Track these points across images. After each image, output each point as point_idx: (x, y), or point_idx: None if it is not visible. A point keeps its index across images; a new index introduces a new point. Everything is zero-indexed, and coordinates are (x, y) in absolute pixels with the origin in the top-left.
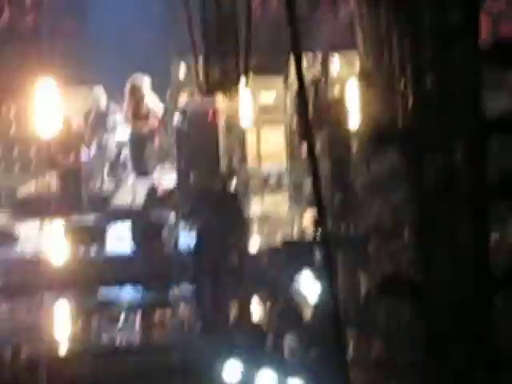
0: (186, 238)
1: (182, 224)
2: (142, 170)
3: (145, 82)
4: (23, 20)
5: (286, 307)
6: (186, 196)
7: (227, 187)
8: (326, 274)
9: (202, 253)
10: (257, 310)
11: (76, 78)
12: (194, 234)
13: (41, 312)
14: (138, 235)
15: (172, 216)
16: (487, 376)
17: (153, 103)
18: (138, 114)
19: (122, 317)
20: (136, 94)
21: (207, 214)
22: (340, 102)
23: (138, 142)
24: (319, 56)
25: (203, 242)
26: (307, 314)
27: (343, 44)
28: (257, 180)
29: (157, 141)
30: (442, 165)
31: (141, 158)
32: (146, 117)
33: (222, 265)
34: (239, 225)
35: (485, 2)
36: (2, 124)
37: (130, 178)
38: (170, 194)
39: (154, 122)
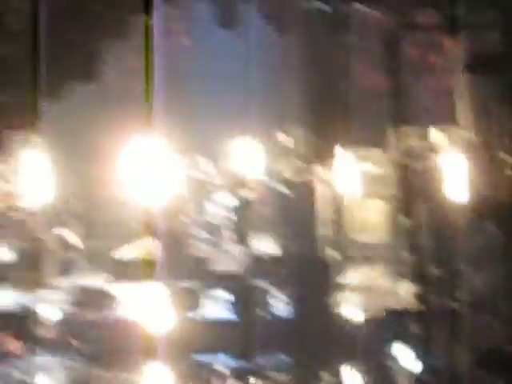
0: (282, 307)
1: (278, 292)
2: (244, 237)
3: (247, 148)
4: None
5: (382, 377)
6: (285, 264)
7: (322, 256)
8: (424, 346)
9: (295, 322)
10: (354, 379)
11: (177, 144)
12: (289, 302)
13: (138, 377)
14: (238, 302)
15: (270, 284)
16: None
17: (255, 170)
18: (239, 180)
19: (218, 383)
20: (238, 159)
21: (301, 282)
22: (440, 174)
23: (240, 208)
24: (420, 129)
25: (295, 310)
26: None
27: (443, 116)
28: (356, 250)
29: (259, 208)
30: None
31: (243, 225)
32: (248, 183)
33: (317, 334)
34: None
35: None
36: (103, 188)
37: (232, 244)
38: (271, 261)
39: (256, 189)
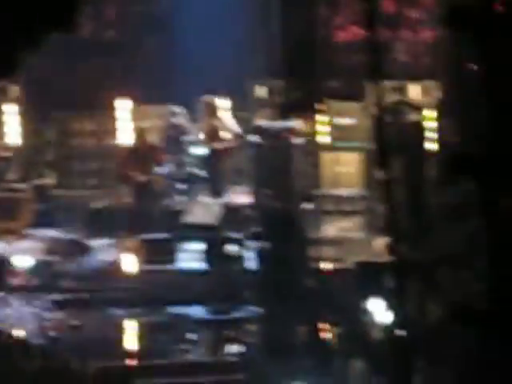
0: (253, 258)
1: (250, 244)
2: (217, 189)
3: (220, 102)
4: (105, 35)
5: (354, 331)
6: (258, 216)
7: (296, 209)
8: (397, 299)
9: (268, 274)
10: (325, 332)
11: (155, 96)
12: (259, 254)
13: (110, 326)
14: (210, 253)
15: (242, 235)
16: None
17: (229, 123)
18: (213, 132)
19: (192, 334)
20: (211, 113)
21: (273, 235)
22: (417, 129)
23: (214, 161)
24: (397, 83)
25: (267, 262)
26: (376, 338)
27: (421, 71)
28: (331, 203)
29: (232, 160)
30: None
31: (215, 176)
32: (222, 136)
33: (289, 286)
34: (303, 247)
35: None
36: (79, 139)
37: (204, 195)
38: (245, 213)
39: (230, 141)
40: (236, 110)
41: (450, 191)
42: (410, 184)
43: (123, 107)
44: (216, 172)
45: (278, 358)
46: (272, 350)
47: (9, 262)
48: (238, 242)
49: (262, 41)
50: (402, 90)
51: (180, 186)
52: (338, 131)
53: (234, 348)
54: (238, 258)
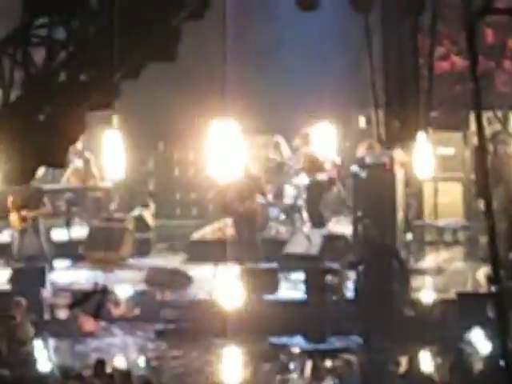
0: (353, 289)
1: (350, 273)
2: (318, 219)
3: (321, 132)
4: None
5: (457, 362)
6: (358, 246)
7: (397, 239)
8: (500, 329)
9: (368, 304)
10: (427, 363)
11: (256, 126)
12: (360, 284)
13: (211, 356)
14: (311, 283)
15: (343, 266)
16: None
17: (328, 154)
18: (313, 164)
19: (293, 364)
20: (308, 144)
21: (374, 265)
22: None
23: (315, 191)
24: (499, 113)
25: (367, 293)
26: (478, 369)
27: None
28: (433, 234)
29: (334, 190)
30: None
31: (317, 206)
32: (322, 167)
33: (390, 316)
34: (404, 277)
35: None
36: (181, 169)
37: (306, 226)
38: (346, 243)
39: (330, 172)
40: (337, 141)
41: None
42: (510, 214)
43: (225, 137)
44: (317, 202)
45: None
46: (372, 380)
47: (111, 292)
48: (339, 272)
49: (364, 71)
50: (503, 120)
51: (282, 216)
52: (439, 161)
53: (334, 378)
54: (339, 288)
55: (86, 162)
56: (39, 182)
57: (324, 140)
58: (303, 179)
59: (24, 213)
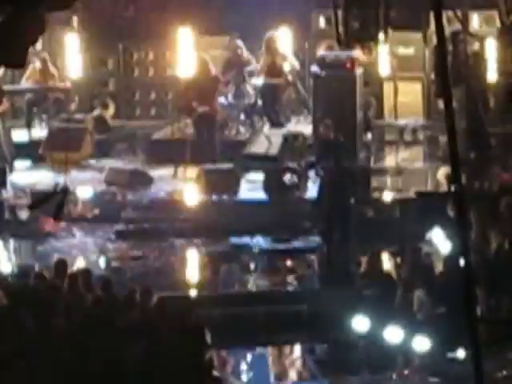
0: (313, 188)
1: (310, 174)
2: (277, 120)
3: (281, 34)
4: None
5: (416, 261)
6: (318, 146)
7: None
8: (459, 228)
9: (328, 204)
10: (387, 262)
11: (215, 27)
12: (319, 184)
13: (172, 257)
14: (271, 183)
15: (302, 166)
16: None
17: (289, 57)
18: (273, 67)
19: (253, 264)
20: (272, 49)
21: (334, 165)
22: (478, 58)
23: (273, 92)
24: (459, 13)
25: (327, 192)
26: (438, 268)
27: (483, 1)
28: (393, 133)
29: (291, 91)
30: None
31: (275, 107)
32: (281, 71)
33: (350, 216)
34: (364, 177)
35: None
36: (141, 69)
37: (265, 126)
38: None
39: (289, 75)
40: (297, 41)
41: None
42: (470, 114)
43: (185, 37)
44: (276, 103)
45: (338, 289)
46: (333, 280)
47: (71, 193)
48: (299, 172)
49: None
50: (463, 20)
51: (241, 116)
52: (398, 61)
53: (294, 278)
54: (298, 188)
55: (44, 62)
56: None
57: (283, 42)
58: (262, 80)
59: None
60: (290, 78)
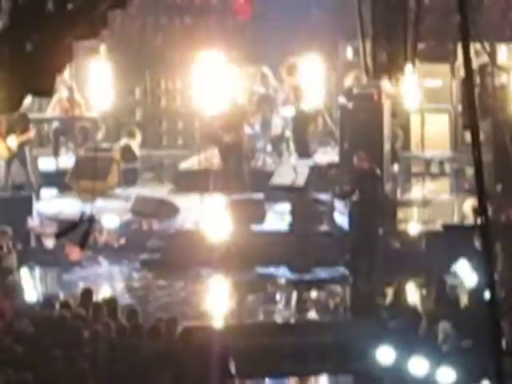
0: (340, 219)
1: (337, 205)
2: (304, 150)
3: (313, 64)
4: None
5: (442, 293)
6: (346, 177)
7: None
8: (485, 261)
9: (355, 234)
10: (413, 294)
11: (243, 56)
12: (347, 215)
13: (197, 286)
14: (298, 214)
15: (329, 197)
16: None
17: (314, 85)
18: (297, 94)
19: (278, 294)
20: (293, 75)
21: (361, 195)
22: (505, 91)
23: (301, 122)
24: (487, 45)
25: (354, 223)
26: (463, 301)
27: (511, 34)
28: (420, 165)
29: (320, 120)
30: None
31: (304, 137)
32: (304, 96)
33: (377, 247)
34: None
35: None
36: (168, 99)
37: (293, 156)
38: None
39: (316, 103)
40: (324, 72)
41: None
42: (497, 146)
43: (213, 66)
44: (304, 133)
45: (364, 320)
46: (358, 311)
47: (97, 222)
48: (326, 202)
49: (352, 2)
50: (490, 52)
51: (269, 147)
52: (426, 93)
53: (319, 309)
54: (326, 219)
55: (71, 90)
56: (26, 111)
57: (311, 71)
58: (290, 110)
59: (9, 140)
60: (318, 106)
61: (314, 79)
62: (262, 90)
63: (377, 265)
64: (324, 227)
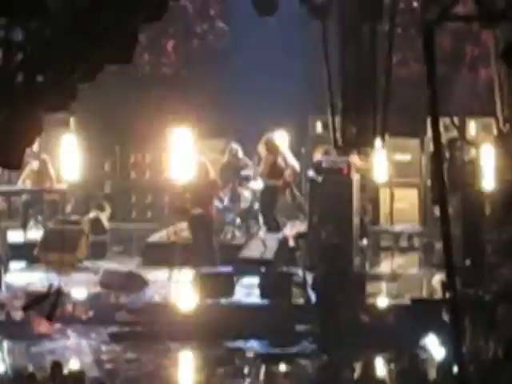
0: (308, 293)
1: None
2: (273, 223)
3: (282, 139)
4: (163, 67)
5: (410, 367)
6: (314, 249)
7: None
8: (454, 335)
9: (323, 308)
10: (381, 368)
11: (212, 130)
12: (314, 289)
13: (166, 360)
14: (267, 287)
15: (299, 270)
16: None
17: (289, 160)
18: (273, 169)
19: (247, 369)
20: (272, 151)
21: (329, 269)
22: (474, 165)
23: (272, 194)
24: (456, 120)
25: (322, 297)
26: (432, 375)
27: (480, 109)
28: (388, 239)
29: (287, 194)
30: None
31: (273, 210)
32: (282, 173)
33: (346, 322)
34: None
35: None
36: (137, 172)
37: (262, 230)
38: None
39: (288, 177)
40: (294, 145)
41: (506, 229)
42: (466, 221)
43: (182, 140)
44: (272, 206)
45: None
46: None
47: (65, 294)
48: (294, 276)
49: (322, 77)
50: (459, 127)
51: (238, 220)
52: (395, 167)
53: (287, 383)
54: (294, 293)
55: (43, 163)
56: None
57: (283, 146)
58: (259, 183)
59: None
60: (288, 179)
61: (287, 155)
62: (231, 163)
63: (343, 338)
64: (294, 300)
